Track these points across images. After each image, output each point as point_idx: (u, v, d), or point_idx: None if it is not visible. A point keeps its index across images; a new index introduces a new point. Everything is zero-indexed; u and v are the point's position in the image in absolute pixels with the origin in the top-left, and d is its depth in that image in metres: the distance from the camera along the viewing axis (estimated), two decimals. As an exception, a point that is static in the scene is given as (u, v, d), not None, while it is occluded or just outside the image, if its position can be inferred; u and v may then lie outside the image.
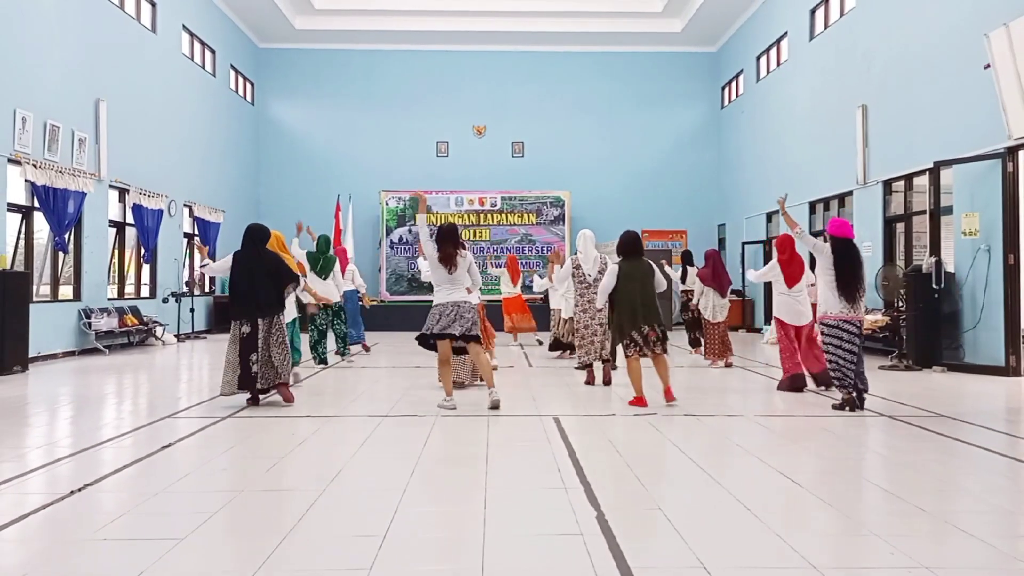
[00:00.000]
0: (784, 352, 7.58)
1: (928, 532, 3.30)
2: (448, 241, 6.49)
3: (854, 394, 6.28)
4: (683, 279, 11.03)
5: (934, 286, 9.29)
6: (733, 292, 9.72)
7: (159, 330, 13.11)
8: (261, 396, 6.76)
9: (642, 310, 6.52)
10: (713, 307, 9.74)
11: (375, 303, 17.07)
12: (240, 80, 18.25)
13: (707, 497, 3.82)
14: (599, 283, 7.36)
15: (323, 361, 9.69)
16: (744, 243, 16.64)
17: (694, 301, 10.16)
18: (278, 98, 19.22)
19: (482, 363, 6.50)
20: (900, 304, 9.90)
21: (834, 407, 6.40)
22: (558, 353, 10.77)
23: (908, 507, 3.63)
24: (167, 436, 5.29)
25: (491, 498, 3.74)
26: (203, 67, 16.08)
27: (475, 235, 18.13)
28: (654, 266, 6.68)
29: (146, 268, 13.79)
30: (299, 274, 7.09)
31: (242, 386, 6.49)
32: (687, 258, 11.24)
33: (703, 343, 10.10)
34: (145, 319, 12.78)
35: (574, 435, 5.30)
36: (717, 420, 5.97)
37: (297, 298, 8.59)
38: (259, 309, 6.51)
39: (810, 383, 7.68)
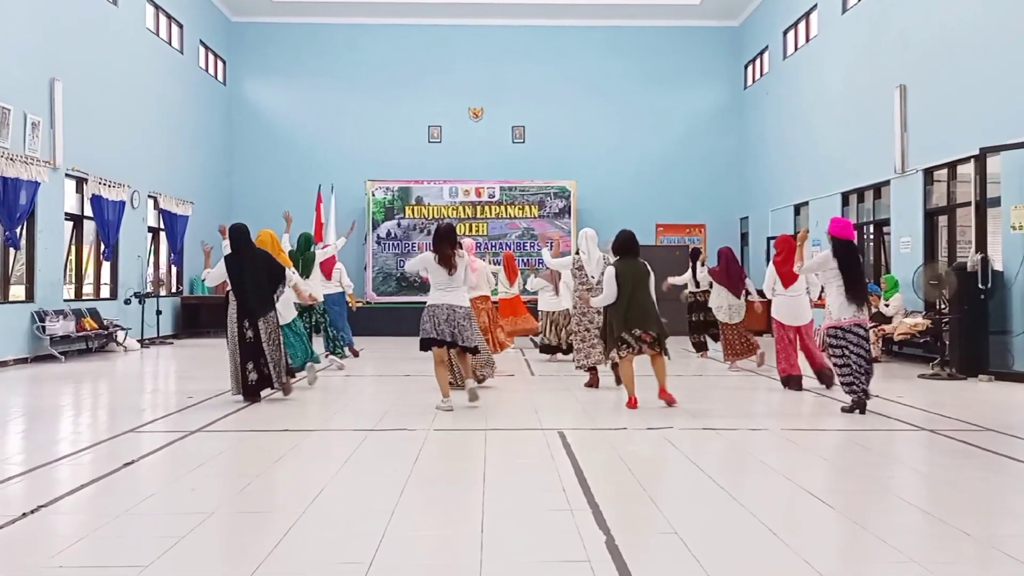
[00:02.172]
0: (780, 353, 8.18)
1: (972, 558, 3.31)
2: (444, 242, 6.90)
3: (863, 396, 6.65)
4: (691, 277, 11.14)
5: (980, 286, 9.28)
6: (757, 293, 9.78)
7: (121, 335, 13.11)
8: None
9: (634, 313, 6.87)
10: (728, 308, 9.93)
11: (360, 304, 17.07)
12: (211, 57, 18.25)
13: (727, 519, 3.82)
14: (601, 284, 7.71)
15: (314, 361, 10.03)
16: (769, 238, 16.63)
17: (711, 302, 10.24)
18: (253, 77, 19.23)
19: (465, 363, 7.22)
20: (942, 306, 9.90)
21: (843, 410, 6.75)
22: (548, 356, 11.14)
23: (950, 530, 3.62)
24: (130, 452, 5.28)
25: (489, 521, 3.74)
26: (169, 43, 16.08)
27: (471, 229, 18.14)
28: (649, 268, 6.99)
29: (106, 266, 13.79)
30: (287, 270, 7.68)
31: (246, 395, 7.29)
32: (695, 256, 11.33)
33: (723, 345, 10.19)
34: (105, 322, 12.78)
35: (581, 451, 5.30)
36: (738, 434, 5.96)
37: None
38: (250, 313, 7.20)
39: (808, 383, 8.08)
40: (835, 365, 6.88)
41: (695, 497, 4.25)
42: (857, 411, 6.64)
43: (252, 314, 7.22)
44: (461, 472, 4.80)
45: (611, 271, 7.05)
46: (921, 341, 10.55)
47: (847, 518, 3.81)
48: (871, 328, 11.00)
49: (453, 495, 4.31)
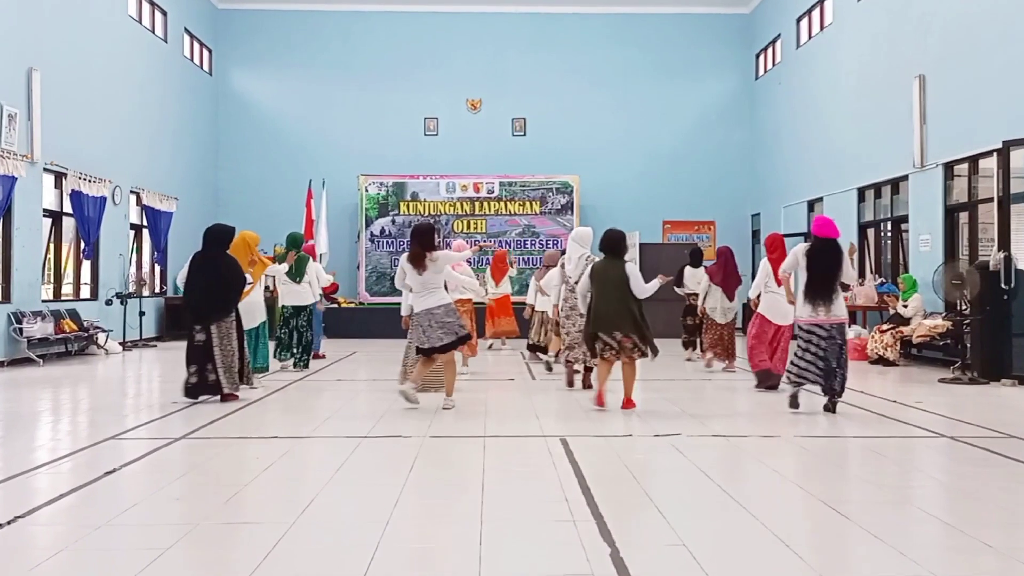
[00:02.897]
0: (752, 349, 8.57)
1: (994, 571, 3.30)
2: (415, 239, 7.07)
3: (798, 389, 7.12)
4: (679, 281, 11.28)
5: (1003, 286, 9.28)
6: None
7: (102, 337, 13.12)
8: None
9: (600, 314, 7.05)
10: (722, 309, 10.19)
11: (328, 306, 17.09)
12: (196, 46, 18.25)
13: (738, 531, 3.82)
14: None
15: (298, 364, 10.35)
16: (782, 236, 16.63)
17: (700, 303, 10.49)
18: (240, 68, 19.24)
19: (423, 368, 7.30)
20: (963, 307, 9.90)
21: (825, 408, 7.06)
22: (530, 355, 11.56)
23: (972, 542, 3.63)
24: (111, 460, 5.28)
25: (488, 532, 3.74)
26: (152, 31, 16.09)
27: (469, 226, 18.16)
28: (628, 272, 7.08)
29: (87, 265, 13.79)
30: (246, 279, 7.88)
31: (187, 394, 7.48)
32: (695, 258, 11.42)
33: (707, 341, 10.46)
34: (86, 324, 12.78)
35: (584, 459, 5.29)
36: (749, 441, 5.97)
37: (266, 300, 9.00)
38: (198, 316, 7.41)
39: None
40: (791, 356, 7.27)
41: (704, 507, 4.25)
42: (792, 406, 7.07)
43: (200, 318, 7.45)
44: (458, 481, 4.79)
45: (588, 270, 7.29)
46: (941, 344, 10.55)
47: (863, 529, 3.81)
48: (890, 329, 11.09)
49: (450, 505, 4.31)
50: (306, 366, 10.47)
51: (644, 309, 7.14)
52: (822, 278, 6.96)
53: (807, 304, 6.98)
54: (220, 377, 7.47)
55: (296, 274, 10.13)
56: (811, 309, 6.96)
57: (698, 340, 11.35)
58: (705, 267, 10.77)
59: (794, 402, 7.14)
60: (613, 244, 7.25)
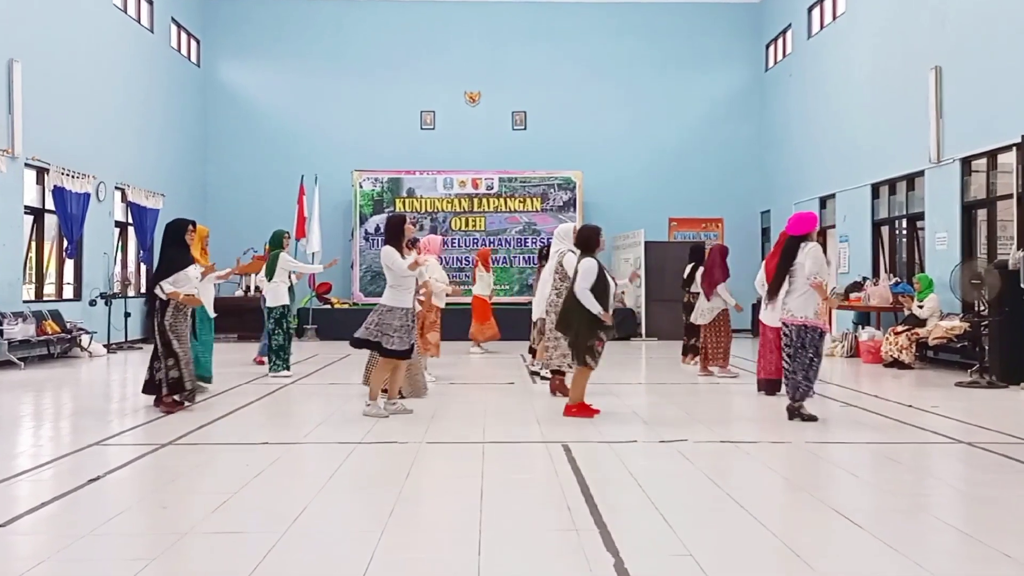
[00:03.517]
0: (760, 353, 8.63)
1: (1014, 582, 3.30)
2: (387, 234, 7.28)
3: (799, 404, 6.97)
4: (688, 281, 11.12)
5: (1022, 286, 9.28)
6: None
7: (85, 339, 13.11)
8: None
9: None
10: (700, 309, 10.26)
11: (347, 306, 17.11)
12: (183, 36, 18.25)
13: (747, 540, 3.82)
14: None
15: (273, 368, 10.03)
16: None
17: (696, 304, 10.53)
18: (230, 59, 19.23)
19: (397, 377, 7.38)
20: (981, 307, 9.89)
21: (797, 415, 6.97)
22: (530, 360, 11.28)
23: (990, 552, 3.63)
24: (95, 467, 5.28)
25: (487, 542, 3.73)
26: (138, 21, 16.08)
27: (467, 224, 18.16)
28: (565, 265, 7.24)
29: (70, 264, 13.78)
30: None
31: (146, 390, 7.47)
32: (696, 254, 11.24)
33: (701, 348, 10.44)
34: (69, 326, 12.78)
35: (587, 466, 5.29)
36: (759, 447, 5.97)
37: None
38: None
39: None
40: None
41: (711, 516, 4.25)
42: (797, 416, 6.94)
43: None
44: (456, 488, 4.79)
45: (591, 262, 6.94)
46: (958, 346, 10.55)
47: (877, 539, 3.81)
48: (905, 331, 11.08)
49: (447, 514, 4.31)
50: (278, 369, 9.96)
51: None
52: (776, 273, 7.16)
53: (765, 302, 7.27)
54: (157, 376, 7.34)
55: (268, 272, 9.97)
56: (771, 307, 7.22)
57: (692, 342, 11.22)
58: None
59: (793, 415, 6.94)
60: (585, 241, 7.18)
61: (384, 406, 7.17)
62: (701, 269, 10.96)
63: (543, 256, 11.25)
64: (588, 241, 7.16)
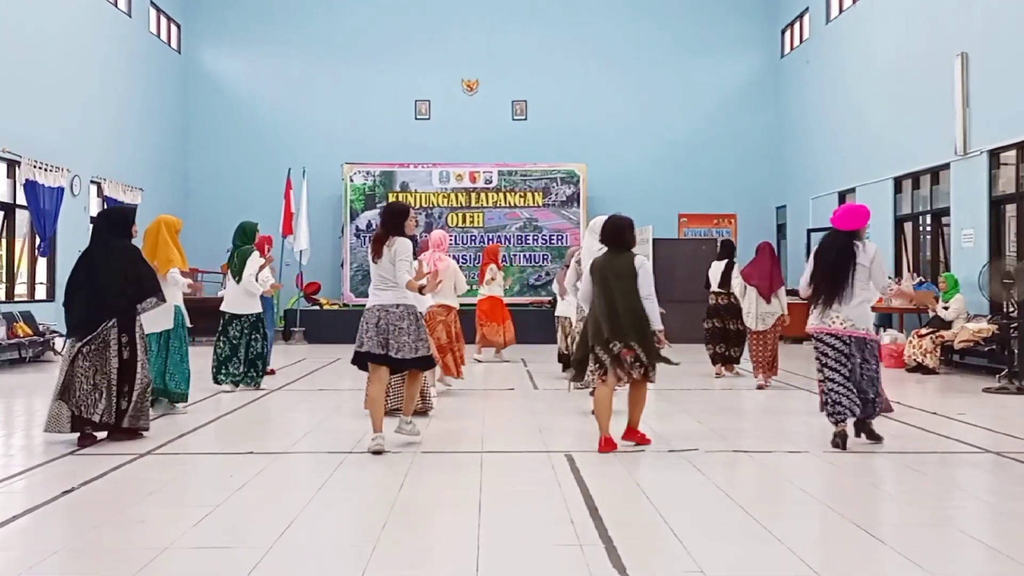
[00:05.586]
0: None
1: (1045, 601, 3.31)
2: (383, 218, 6.36)
3: (845, 426, 6.17)
4: (725, 281, 10.47)
5: (1054, 286, 9.29)
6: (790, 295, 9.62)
7: (59, 342, 13.10)
8: (98, 435, 6.38)
9: (611, 321, 6.05)
10: (757, 314, 9.63)
11: (337, 307, 17.12)
12: (163, 21, 18.24)
13: (762, 557, 3.82)
14: None
15: (237, 383, 9.19)
16: (810, 230, 16.66)
17: (744, 308, 9.99)
18: (212, 45, 19.23)
19: (411, 393, 6.48)
20: (1010, 309, 9.90)
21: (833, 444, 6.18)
22: (561, 369, 10.61)
23: (1019, 569, 3.63)
24: (70, 478, 5.27)
25: (485, 558, 3.73)
26: (115, 4, 16.07)
27: (465, 220, 18.15)
28: (637, 267, 6.13)
29: (42, 262, 13.78)
30: (159, 286, 6.72)
31: (75, 426, 6.23)
32: (727, 250, 10.75)
33: (751, 358, 9.93)
34: (41, 328, 12.78)
35: (592, 477, 5.29)
36: (774, 457, 5.97)
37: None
38: (108, 311, 6.31)
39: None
40: (817, 380, 6.50)
41: (724, 530, 4.25)
42: (834, 445, 6.12)
43: (95, 321, 6.35)
44: (453, 501, 4.79)
45: (588, 265, 6.44)
46: (986, 350, 10.55)
47: (899, 554, 3.81)
48: (929, 333, 11.08)
49: (443, 528, 4.31)
50: (252, 384, 9.30)
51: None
52: (827, 273, 6.25)
53: (816, 306, 6.29)
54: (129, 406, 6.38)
55: (236, 271, 9.13)
56: (820, 312, 6.25)
57: (727, 351, 10.53)
58: (742, 269, 10.13)
59: (837, 441, 6.14)
60: (617, 234, 6.27)
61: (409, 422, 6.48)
62: (737, 267, 10.45)
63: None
64: (622, 235, 6.28)
